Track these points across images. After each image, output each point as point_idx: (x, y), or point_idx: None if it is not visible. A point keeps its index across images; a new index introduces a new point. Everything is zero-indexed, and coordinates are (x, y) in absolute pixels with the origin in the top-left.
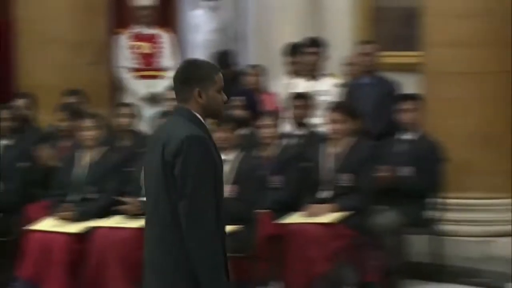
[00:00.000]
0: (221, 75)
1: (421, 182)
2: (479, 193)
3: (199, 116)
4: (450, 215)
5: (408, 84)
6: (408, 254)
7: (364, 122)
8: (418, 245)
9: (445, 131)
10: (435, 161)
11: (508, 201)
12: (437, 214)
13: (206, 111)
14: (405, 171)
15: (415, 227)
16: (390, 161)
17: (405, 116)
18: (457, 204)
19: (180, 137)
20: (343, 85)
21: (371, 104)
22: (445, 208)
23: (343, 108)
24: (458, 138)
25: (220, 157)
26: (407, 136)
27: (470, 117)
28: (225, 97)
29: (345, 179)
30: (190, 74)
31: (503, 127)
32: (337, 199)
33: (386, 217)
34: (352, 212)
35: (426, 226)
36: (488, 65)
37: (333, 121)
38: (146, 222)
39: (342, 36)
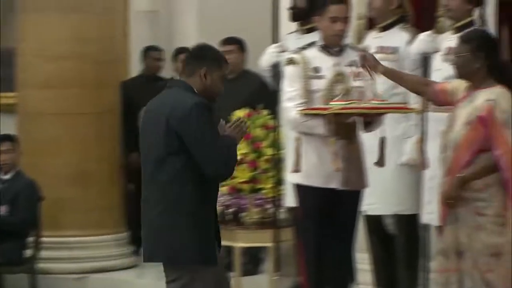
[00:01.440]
0: (227, 66)
1: (18, 221)
2: (75, 231)
3: (195, 90)
4: (46, 253)
5: (6, 125)
6: None
7: None
8: (17, 285)
9: (40, 170)
10: (31, 200)
11: (102, 237)
12: (34, 253)
13: (203, 91)
14: (2, 210)
15: (14, 266)
16: None
17: (3, 156)
18: (53, 242)
19: (187, 105)
20: None
21: None
22: (42, 246)
23: None
24: (53, 177)
25: None
26: (5, 176)
27: (64, 156)
28: (223, 87)
29: None
30: (204, 53)
31: (96, 165)
32: None
33: None
34: None
35: (24, 264)
36: (79, 106)
37: None
38: (145, 186)
39: None
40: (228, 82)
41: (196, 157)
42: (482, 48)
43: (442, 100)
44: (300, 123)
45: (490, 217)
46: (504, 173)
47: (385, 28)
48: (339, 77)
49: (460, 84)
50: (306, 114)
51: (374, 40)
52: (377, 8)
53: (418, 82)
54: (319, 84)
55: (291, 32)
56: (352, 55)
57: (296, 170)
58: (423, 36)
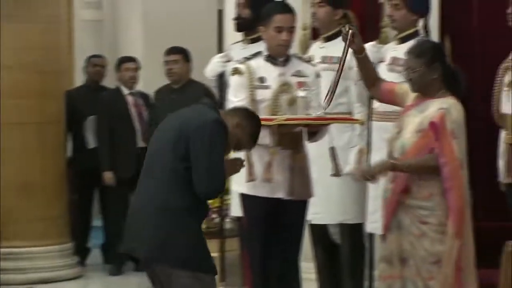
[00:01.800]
0: (253, 145)
1: None
2: (19, 242)
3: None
4: None
5: None
6: None
7: None
8: None
9: None
10: None
11: (47, 248)
12: None
13: (232, 139)
14: None
15: None
16: None
17: None
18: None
19: (207, 118)
20: None
21: None
22: None
23: None
24: None
25: None
26: None
27: (8, 166)
28: (246, 148)
29: None
30: (247, 114)
31: (41, 175)
32: None
33: None
34: None
35: None
36: (24, 116)
37: None
38: (145, 175)
39: None
40: (173, 92)
41: (194, 169)
42: (436, 59)
43: (387, 99)
44: None
45: (433, 226)
46: (446, 182)
47: (329, 38)
48: (284, 87)
49: (410, 90)
50: None
51: (318, 50)
52: (321, 18)
53: (374, 74)
54: (264, 94)
55: (236, 42)
56: (297, 65)
57: (251, 179)
58: (368, 46)
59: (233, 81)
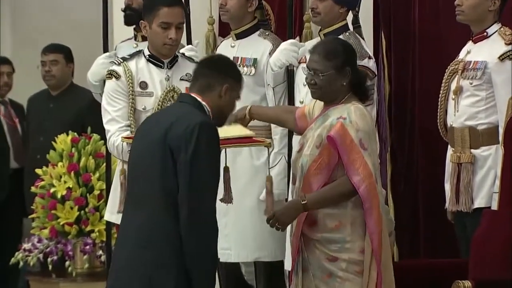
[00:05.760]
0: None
1: None
2: None
3: (208, 109)
4: None
5: None
6: None
7: None
8: None
9: None
10: None
11: None
12: None
13: (218, 111)
14: None
15: None
16: None
17: None
18: None
19: (192, 122)
20: None
21: None
22: None
23: None
24: None
25: None
26: None
27: None
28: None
29: None
30: (226, 66)
31: None
32: None
33: None
34: None
35: None
36: None
37: None
38: (130, 205)
39: None
40: (51, 99)
41: (180, 186)
42: (347, 62)
43: (303, 126)
44: (126, 152)
45: (342, 263)
46: (365, 202)
47: (242, 35)
48: (171, 94)
49: (317, 103)
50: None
51: (229, 50)
52: (232, 11)
53: (283, 111)
54: (146, 103)
55: (126, 40)
56: (186, 67)
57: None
58: (287, 44)
59: (108, 88)
